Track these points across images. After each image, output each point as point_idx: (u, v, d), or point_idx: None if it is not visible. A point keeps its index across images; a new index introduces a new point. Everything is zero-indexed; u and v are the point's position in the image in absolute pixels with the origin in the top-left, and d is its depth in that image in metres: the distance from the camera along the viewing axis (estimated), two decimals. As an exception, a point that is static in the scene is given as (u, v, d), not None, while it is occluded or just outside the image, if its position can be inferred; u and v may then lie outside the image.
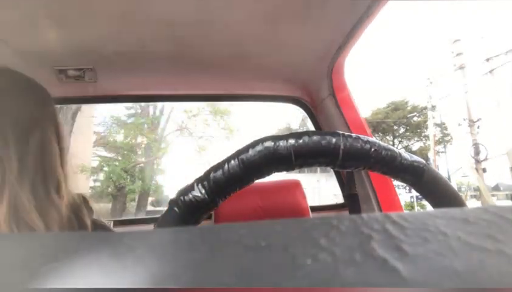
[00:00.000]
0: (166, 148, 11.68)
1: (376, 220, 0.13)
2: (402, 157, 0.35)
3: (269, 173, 0.33)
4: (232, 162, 0.32)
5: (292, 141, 0.32)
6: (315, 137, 0.32)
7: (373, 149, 0.33)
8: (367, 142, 0.33)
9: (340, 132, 0.33)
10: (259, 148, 0.32)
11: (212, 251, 0.12)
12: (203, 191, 0.31)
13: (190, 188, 0.32)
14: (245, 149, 0.32)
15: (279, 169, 0.33)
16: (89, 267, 0.11)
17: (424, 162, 0.36)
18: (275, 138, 0.32)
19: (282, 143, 0.32)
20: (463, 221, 0.13)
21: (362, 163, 0.34)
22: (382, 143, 0.34)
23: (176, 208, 0.31)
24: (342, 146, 0.32)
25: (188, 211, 0.31)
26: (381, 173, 0.36)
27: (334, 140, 0.32)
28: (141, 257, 0.12)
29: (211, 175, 0.32)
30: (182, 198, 0.31)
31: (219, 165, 0.32)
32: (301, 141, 0.32)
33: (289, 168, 0.33)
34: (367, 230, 0.13)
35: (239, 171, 0.31)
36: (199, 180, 0.32)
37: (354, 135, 0.33)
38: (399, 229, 0.13)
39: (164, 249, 0.13)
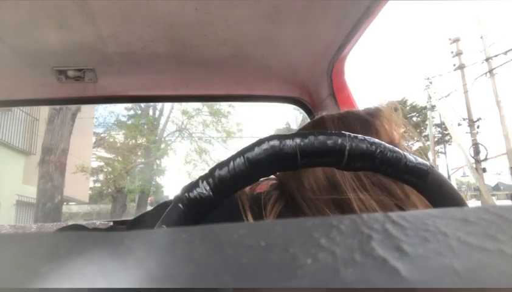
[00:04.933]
0: (166, 149, 11.68)
1: (376, 220, 0.13)
2: (407, 159, 0.35)
3: (274, 172, 0.33)
4: (238, 160, 0.32)
5: (298, 140, 0.32)
6: (321, 137, 0.32)
7: (378, 151, 0.33)
8: (373, 143, 0.33)
9: (346, 133, 0.33)
10: (265, 146, 0.32)
11: (212, 251, 0.12)
12: (208, 188, 0.31)
13: (194, 185, 0.32)
14: (251, 147, 0.32)
15: (284, 168, 0.33)
16: (89, 267, 0.11)
17: (429, 164, 0.36)
18: (281, 137, 0.32)
19: (288, 142, 0.32)
20: (463, 221, 0.13)
21: (367, 164, 0.34)
22: (387, 144, 0.34)
23: (180, 205, 0.31)
24: (347, 147, 0.32)
25: (192, 208, 0.31)
26: (386, 175, 0.36)
27: (340, 140, 0.32)
28: (141, 257, 0.12)
29: (217, 172, 0.32)
30: (186, 194, 0.31)
31: (225, 163, 0.32)
32: (307, 140, 0.32)
33: (294, 167, 0.33)
34: (367, 230, 0.13)
35: (244, 169, 0.31)
36: (204, 178, 0.32)
37: (360, 136, 0.33)
38: (399, 229, 0.13)
39: (164, 249, 0.13)
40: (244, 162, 0.31)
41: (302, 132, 0.33)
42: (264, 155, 0.31)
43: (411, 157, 0.35)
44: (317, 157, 0.32)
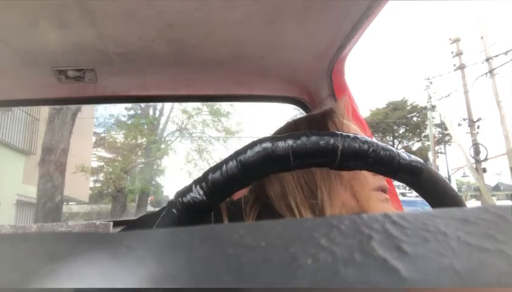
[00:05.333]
0: (166, 149, 11.68)
1: (375, 220, 0.13)
2: (401, 157, 0.35)
3: (267, 174, 0.33)
4: (230, 163, 0.31)
5: (290, 142, 0.32)
6: (313, 138, 0.32)
7: (371, 150, 0.33)
8: (365, 142, 0.33)
9: (339, 132, 0.33)
10: (257, 149, 0.32)
11: (212, 251, 0.12)
12: (201, 192, 0.31)
13: (188, 190, 0.32)
14: (244, 150, 0.32)
15: (277, 170, 0.33)
16: (89, 267, 0.11)
17: (423, 161, 0.36)
18: (273, 139, 0.32)
19: (280, 144, 0.32)
20: (463, 221, 0.13)
21: (360, 164, 0.34)
22: (380, 143, 0.34)
23: (174, 210, 0.31)
24: (340, 147, 0.32)
25: (186, 213, 0.31)
26: (380, 173, 0.36)
27: (332, 140, 0.32)
28: (141, 258, 0.12)
29: (210, 176, 0.32)
30: (180, 199, 0.31)
31: (218, 166, 0.32)
32: (299, 141, 0.32)
33: (287, 168, 0.33)
34: (367, 230, 0.13)
35: (237, 173, 0.31)
36: (198, 182, 0.32)
37: (352, 135, 0.33)
38: (399, 229, 0.13)
39: (164, 249, 0.13)
40: (236, 165, 0.31)
41: (294, 133, 0.33)
42: (256, 157, 0.31)
43: (404, 155, 0.35)
44: (309, 158, 0.32)
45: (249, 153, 0.31)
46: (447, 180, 0.38)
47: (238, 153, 0.32)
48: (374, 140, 0.34)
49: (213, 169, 0.32)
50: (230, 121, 11.78)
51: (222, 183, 0.31)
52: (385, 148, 0.34)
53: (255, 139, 0.33)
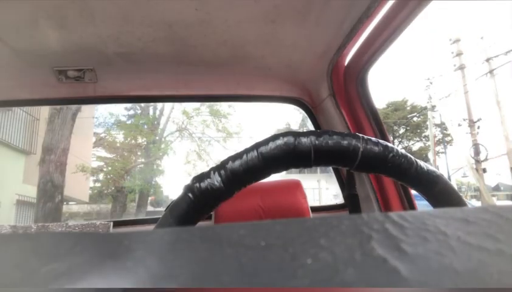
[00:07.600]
0: (166, 149, 11.67)
1: (376, 220, 0.13)
2: (418, 166, 0.35)
3: (286, 168, 0.33)
4: (251, 153, 0.31)
5: (313, 138, 0.32)
6: (335, 137, 0.32)
7: (390, 155, 0.33)
8: (386, 147, 0.33)
9: (360, 135, 0.33)
10: (279, 142, 0.32)
11: (212, 251, 0.12)
12: (219, 179, 0.31)
13: (206, 176, 0.31)
14: (265, 142, 0.32)
15: (297, 165, 0.33)
16: (89, 267, 0.11)
17: (439, 172, 0.36)
18: (296, 134, 0.32)
19: (303, 139, 0.32)
20: (463, 221, 0.13)
21: (378, 168, 0.34)
22: (399, 150, 0.34)
23: (190, 195, 0.31)
24: (361, 149, 0.32)
25: (202, 198, 0.31)
26: (395, 179, 0.36)
27: (354, 141, 0.32)
28: (141, 257, 0.12)
29: (229, 165, 0.31)
30: (197, 184, 0.31)
31: (238, 156, 0.32)
32: (321, 139, 0.32)
33: (307, 165, 0.33)
34: (367, 230, 0.13)
35: (258, 163, 0.31)
36: (216, 169, 0.32)
37: (374, 139, 0.33)
38: (399, 229, 0.13)
39: (164, 249, 0.13)
40: (257, 155, 0.31)
41: (316, 131, 0.33)
42: (277, 150, 0.31)
43: (422, 163, 0.35)
44: (330, 157, 0.32)
45: (271, 145, 0.32)
46: (461, 194, 0.38)
47: (259, 144, 0.32)
48: (394, 146, 0.34)
49: (233, 158, 0.32)
50: (230, 122, 11.79)
51: (241, 172, 0.31)
52: (404, 156, 0.34)
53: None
